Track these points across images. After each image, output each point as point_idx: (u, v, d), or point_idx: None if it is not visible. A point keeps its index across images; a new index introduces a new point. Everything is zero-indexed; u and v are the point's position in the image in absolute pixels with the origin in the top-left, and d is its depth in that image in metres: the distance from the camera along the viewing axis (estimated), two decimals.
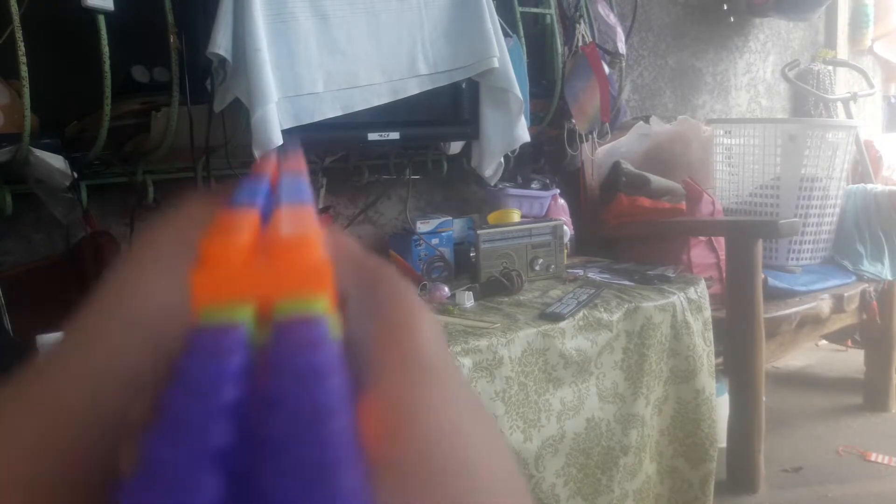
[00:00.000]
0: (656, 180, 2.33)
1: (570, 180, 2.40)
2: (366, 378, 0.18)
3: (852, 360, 3.03)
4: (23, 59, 1.23)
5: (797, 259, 2.49)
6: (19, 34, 1.23)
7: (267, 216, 0.20)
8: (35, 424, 0.19)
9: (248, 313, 0.16)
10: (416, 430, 0.17)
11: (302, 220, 0.18)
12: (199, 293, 0.17)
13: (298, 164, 0.26)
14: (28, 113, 1.25)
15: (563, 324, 1.51)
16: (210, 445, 0.13)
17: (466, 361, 1.35)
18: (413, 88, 1.60)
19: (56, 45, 1.46)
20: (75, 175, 1.36)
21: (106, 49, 1.32)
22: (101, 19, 1.32)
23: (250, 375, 0.15)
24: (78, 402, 0.19)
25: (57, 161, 1.31)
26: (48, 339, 1.08)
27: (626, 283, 1.82)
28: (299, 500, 0.12)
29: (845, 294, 2.32)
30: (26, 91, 1.25)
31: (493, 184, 2.01)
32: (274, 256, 0.17)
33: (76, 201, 1.43)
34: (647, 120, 2.54)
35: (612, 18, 2.29)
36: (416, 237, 1.94)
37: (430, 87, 1.62)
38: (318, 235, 0.17)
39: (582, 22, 2.21)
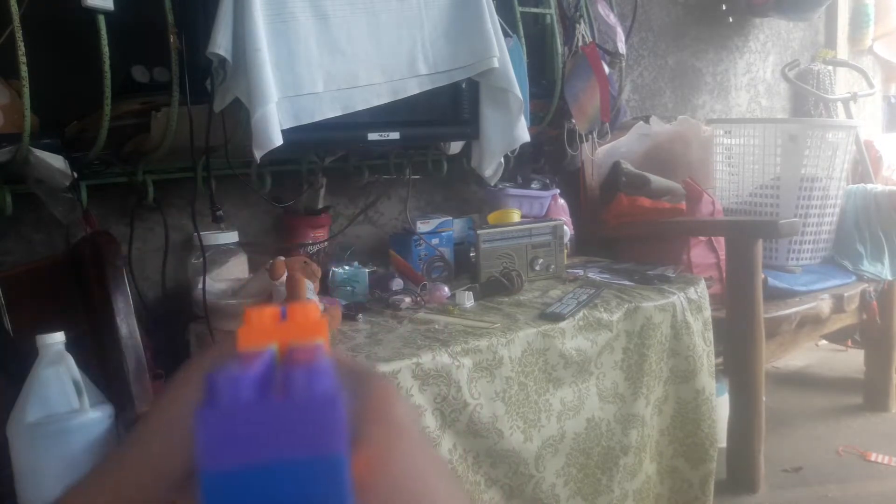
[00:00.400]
0: (656, 180, 2.33)
1: (570, 180, 2.40)
2: (356, 436, 0.25)
3: (852, 360, 3.03)
4: (23, 59, 1.23)
5: (797, 259, 2.49)
6: (19, 34, 1.23)
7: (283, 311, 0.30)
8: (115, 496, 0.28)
9: (274, 349, 0.26)
10: (391, 468, 0.25)
11: (306, 303, 0.29)
12: (240, 340, 0.26)
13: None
14: (28, 113, 1.25)
15: (563, 324, 1.51)
16: (247, 388, 0.22)
17: (466, 361, 1.35)
18: (413, 88, 1.60)
19: (56, 45, 1.46)
20: (75, 175, 1.36)
21: (106, 49, 1.32)
22: (101, 19, 1.32)
23: (272, 380, 0.24)
24: (147, 477, 0.28)
25: (57, 161, 1.31)
26: (48, 338, 1.08)
27: (626, 283, 1.82)
28: (302, 425, 0.22)
29: (845, 294, 2.32)
30: (26, 91, 1.24)
31: (493, 184, 2.01)
32: (290, 320, 0.27)
33: (76, 201, 1.42)
34: (647, 120, 2.54)
35: (612, 18, 2.29)
36: (416, 237, 1.94)
37: (429, 87, 1.62)
38: (317, 309, 0.28)
39: (582, 22, 2.20)
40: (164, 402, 0.30)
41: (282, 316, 0.28)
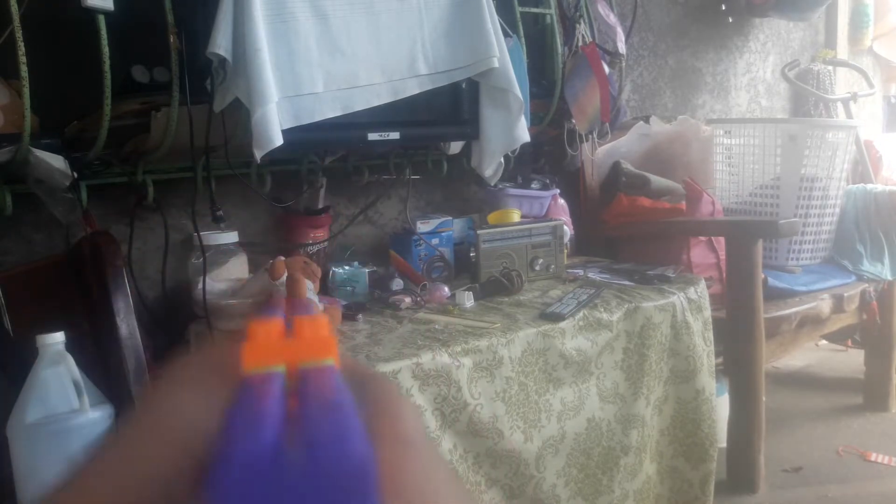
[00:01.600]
0: (656, 180, 2.33)
1: (570, 180, 2.40)
2: None
3: (852, 360, 3.03)
4: (23, 59, 1.23)
5: (797, 259, 2.49)
6: (19, 34, 1.23)
7: (288, 323, 0.27)
8: None
9: (281, 369, 0.24)
10: (403, 492, 0.23)
11: (315, 317, 0.26)
12: (246, 359, 0.24)
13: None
14: (28, 113, 1.25)
15: (563, 324, 1.51)
16: (266, 442, 0.20)
17: (466, 361, 1.35)
18: (413, 88, 1.60)
19: (56, 45, 1.46)
20: (75, 175, 1.36)
21: (106, 49, 1.32)
22: (101, 19, 1.32)
23: (285, 407, 0.22)
24: (133, 482, 0.24)
25: (57, 161, 1.31)
26: (48, 338, 1.08)
27: (626, 283, 1.82)
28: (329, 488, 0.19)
29: (845, 294, 2.32)
30: (26, 91, 1.24)
31: (493, 184, 2.01)
32: (297, 335, 0.25)
33: (76, 201, 1.42)
34: (647, 120, 2.54)
35: (611, 18, 2.29)
36: (416, 237, 1.94)
37: (429, 87, 1.62)
38: (328, 324, 0.25)
39: (582, 22, 2.20)
40: (155, 403, 0.27)
41: (287, 326, 0.26)
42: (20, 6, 1.23)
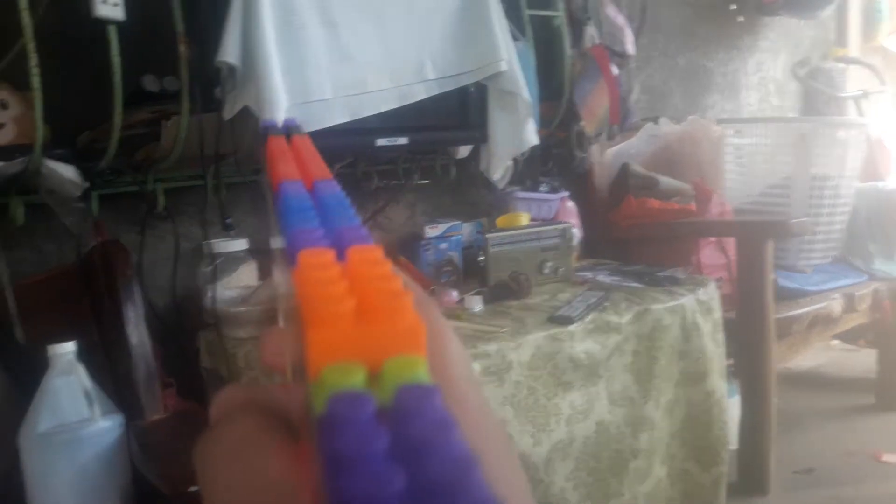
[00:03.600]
0: (665, 181, 2.32)
1: (579, 183, 2.40)
2: None
3: (864, 359, 3.01)
4: (35, 69, 1.25)
5: (808, 259, 2.47)
6: (32, 45, 1.24)
7: (337, 246, 0.22)
8: None
9: (362, 374, 0.18)
10: None
11: (383, 271, 0.21)
12: (315, 353, 0.18)
13: (308, 150, 0.30)
14: (40, 124, 1.27)
15: (572, 327, 1.51)
16: (387, 483, 0.15)
17: (475, 366, 1.36)
18: (421, 93, 1.61)
19: (67, 55, 1.47)
20: (87, 185, 1.37)
21: (117, 59, 1.33)
22: (112, 29, 1.33)
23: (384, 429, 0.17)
24: None
25: (68, 171, 1.32)
26: (59, 348, 1.09)
27: (636, 285, 1.82)
28: None
29: (857, 293, 2.31)
30: (38, 102, 1.26)
31: (501, 187, 2.01)
32: (375, 321, 0.19)
33: (87, 211, 1.44)
34: (656, 121, 2.53)
35: (620, 20, 2.28)
36: (425, 242, 1.94)
37: (437, 92, 1.63)
38: (408, 295, 0.20)
39: (590, 24, 2.21)
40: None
41: (342, 265, 0.21)
42: (32, 17, 1.25)
